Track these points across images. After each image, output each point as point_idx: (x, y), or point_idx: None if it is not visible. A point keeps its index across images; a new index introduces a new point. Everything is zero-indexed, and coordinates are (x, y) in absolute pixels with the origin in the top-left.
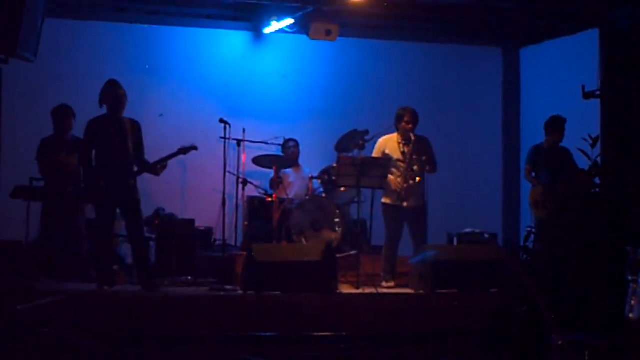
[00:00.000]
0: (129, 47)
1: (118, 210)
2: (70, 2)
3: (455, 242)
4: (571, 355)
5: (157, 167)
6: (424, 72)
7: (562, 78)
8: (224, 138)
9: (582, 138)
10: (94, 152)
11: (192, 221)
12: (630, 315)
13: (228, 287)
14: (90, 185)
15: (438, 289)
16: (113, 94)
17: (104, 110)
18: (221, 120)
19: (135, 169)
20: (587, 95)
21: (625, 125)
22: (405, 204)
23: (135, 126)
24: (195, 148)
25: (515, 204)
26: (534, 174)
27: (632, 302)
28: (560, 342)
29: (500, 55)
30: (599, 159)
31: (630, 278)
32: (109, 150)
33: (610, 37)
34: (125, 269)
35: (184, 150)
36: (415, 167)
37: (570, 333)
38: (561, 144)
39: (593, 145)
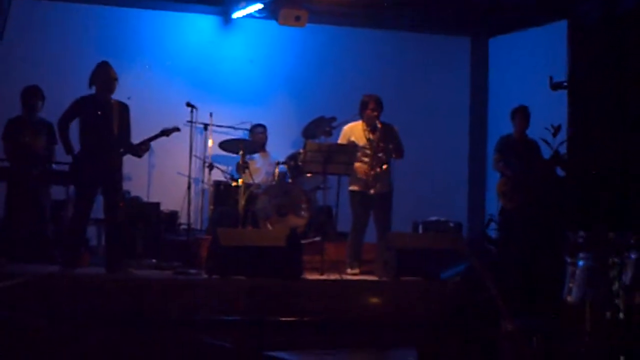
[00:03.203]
0: (97, 28)
1: None
2: None
3: (420, 230)
4: (520, 341)
5: (141, 149)
6: (393, 60)
7: (530, 69)
8: (191, 122)
9: (545, 127)
10: (79, 132)
11: (158, 204)
12: (568, 297)
13: (192, 270)
14: (73, 166)
15: (402, 277)
16: (104, 75)
17: (70, 89)
18: (188, 104)
19: (121, 150)
20: (555, 86)
21: (591, 116)
22: (372, 191)
23: (124, 108)
24: (177, 129)
25: (480, 193)
26: (502, 164)
27: (570, 284)
28: (509, 328)
29: (469, 44)
30: (560, 148)
31: (568, 261)
32: (94, 130)
33: (578, 28)
34: (89, 250)
35: (167, 132)
36: (381, 155)
37: (521, 319)
38: (529, 135)
39: (554, 134)
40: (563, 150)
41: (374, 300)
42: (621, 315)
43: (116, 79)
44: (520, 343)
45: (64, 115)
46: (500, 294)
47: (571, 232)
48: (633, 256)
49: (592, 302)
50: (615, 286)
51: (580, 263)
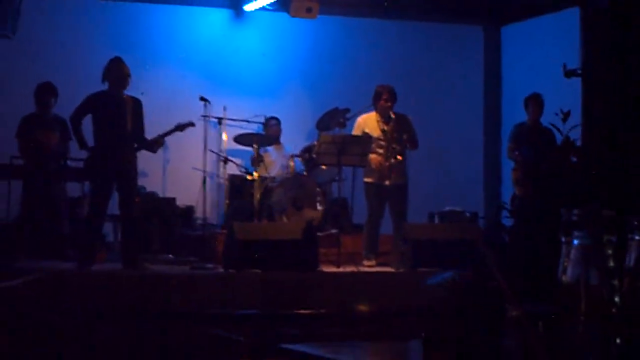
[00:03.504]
0: (109, 24)
1: None
2: None
3: (436, 221)
4: (526, 326)
5: (156, 144)
6: (405, 50)
7: (544, 56)
8: (205, 116)
9: (554, 113)
10: (93, 128)
11: (173, 200)
12: (563, 277)
13: (209, 265)
14: (88, 163)
15: (419, 268)
16: (117, 71)
17: (83, 85)
18: (201, 98)
19: (135, 146)
20: (569, 74)
21: (606, 103)
22: (387, 182)
23: (137, 104)
24: (192, 124)
25: (496, 182)
26: (516, 152)
27: (565, 264)
28: (514, 313)
29: (482, 33)
30: (570, 134)
31: (563, 239)
32: (107, 126)
33: (591, 14)
34: (105, 246)
35: (181, 127)
36: (395, 145)
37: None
38: (543, 122)
39: (564, 120)
40: (574, 135)
41: (391, 291)
42: (617, 297)
43: (129, 75)
44: (526, 329)
45: (76, 111)
46: (506, 281)
47: (565, 210)
48: (638, 237)
49: (587, 281)
50: (611, 264)
51: (575, 241)
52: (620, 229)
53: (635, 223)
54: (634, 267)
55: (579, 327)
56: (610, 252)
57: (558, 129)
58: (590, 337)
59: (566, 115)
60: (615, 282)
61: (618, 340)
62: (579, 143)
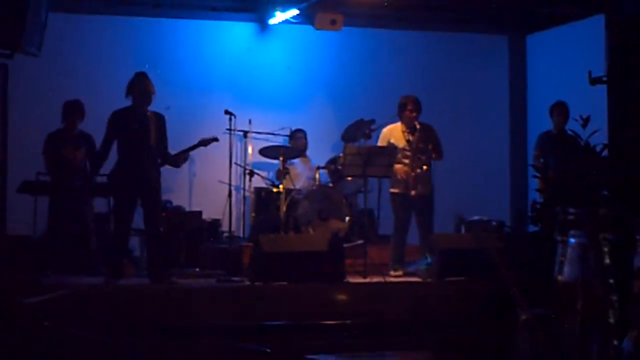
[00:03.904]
0: (134, 40)
1: None
2: None
3: (463, 230)
4: (536, 330)
5: (180, 159)
6: (430, 61)
7: (569, 64)
8: (230, 130)
9: (573, 119)
10: (113, 143)
11: (200, 213)
12: (559, 277)
13: (235, 278)
14: (111, 178)
15: (446, 277)
16: (141, 87)
17: (109, 101)
18: (226, 112)
19: (159, 161)
20: (594, 81)
21: (632, 110)
22: (413, 193)
23: (160, 119)
24: (216, 139)
25: (523, 190)
26: (542, 160)
27: (561, 263)
28: (524, 317)
29: (507, 42)
30: (590, 140)
31: (559, 239)
32: (132, 142)
33: (616, 22)
34: (132, 261)
35: (205, 142)
36: (421, 156)
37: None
38: (568, 131)
39: (584, 125)
40: (595, 141)
41: (419, 302)
42: (614, 296)
43: (153, 92)
44: (536, 332)
45: (106, 138)
46: (517, 286)
47: (561, 210)
48: None
49: (583, 280)
50: (607, 262)
51: (572, 240)
52: (627, 229)
53: None
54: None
55: (576, 325)
56: (606, 250)
57: (578, 135)
58: (588, 339)
59: (586, 121)
60: (612, 281)
61: (616, 342)
62: (599, 148)
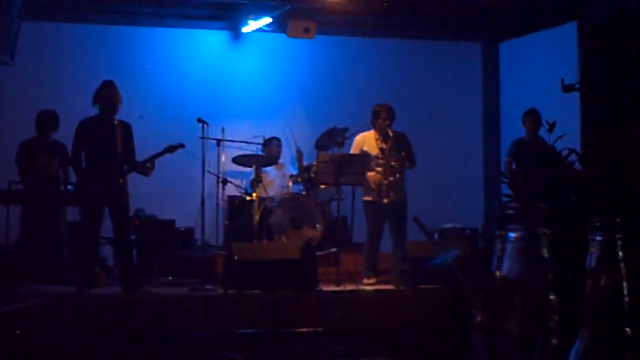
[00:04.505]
0: (107, 48)
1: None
2: (48, 4)
3: (436, 238)
4: (491, 331)
5: (147, 167)
6: (403, 68)
7: (542, 72)
8: (203, 137)
9: (543, 125)
10: (83, 153)
11: (173, 221)
12: (497, 273)
13: (208, 286)
14: (78, 187)
15: (419, 285)
16: (108, 96)
17: (82, 110)
18: (199, 120)
19: (125, 169)
20: (567, 89)
21: (605, 117)
22: (385, 200)
23: (126, 128)
24: (182, 146)
25: (497, 197)
26: (513, 166)
27: (499, 257)
28: (479, 319)
29: (480, 50)
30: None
31: (497, 234)
32: (98, 151)
33: (589, 29)
34: (105, 270)
35: (171, 149)
36: (393, 163)
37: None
38: (541, 138)
39: (550, 130)
40: (559, 146)
41: (391, 309)
42: (552, 295)
43: (119, 101)
44: (490, 333)
45: (74, 147)
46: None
47: (499, 205)
48: (599, 238)
49: (522, 276)
50: (545, 255)
51: (510, 234)
52: (581, 230)
53: (597, 224)
54: (595, 268)
55: (516, 326)
56: (544, 244)
57: (546, 142)
58: (528, 337)
59: (552, 126)
60: (550, 277)
61: (555, 341)
62: (564, 153)
